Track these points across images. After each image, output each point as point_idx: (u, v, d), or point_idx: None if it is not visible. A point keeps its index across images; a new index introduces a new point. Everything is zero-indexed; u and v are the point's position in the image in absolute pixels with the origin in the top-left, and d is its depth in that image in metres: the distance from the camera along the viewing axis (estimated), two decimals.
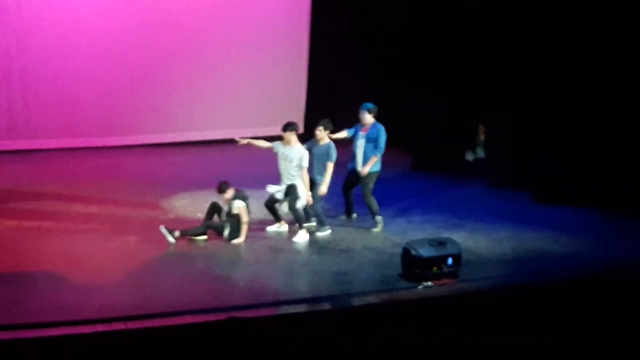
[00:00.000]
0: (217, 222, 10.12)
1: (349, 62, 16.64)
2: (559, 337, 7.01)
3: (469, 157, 14.87)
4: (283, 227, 10.37)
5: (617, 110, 11.65)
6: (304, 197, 10.07)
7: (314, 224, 10.37)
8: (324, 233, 10.29)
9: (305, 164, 9.99)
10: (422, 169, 14.17)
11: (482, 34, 13.78)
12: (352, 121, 10.63)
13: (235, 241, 9.89)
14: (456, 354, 6.63)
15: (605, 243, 10.31)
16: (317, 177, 10.28)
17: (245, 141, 10.46)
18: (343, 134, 10.61)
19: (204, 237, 10.00)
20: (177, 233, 9.83)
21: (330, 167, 10.19)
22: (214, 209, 10.15)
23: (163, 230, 9.84)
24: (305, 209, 10.28)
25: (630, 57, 11.67)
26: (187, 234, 9.90)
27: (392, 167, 13.69)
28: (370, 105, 10.48)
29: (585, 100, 11.80)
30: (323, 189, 10.20)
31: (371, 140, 10.36)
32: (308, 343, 6.72)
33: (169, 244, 9.77)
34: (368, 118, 10.43)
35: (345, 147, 10.68)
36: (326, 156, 10.18)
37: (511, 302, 8.07)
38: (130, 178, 13.18)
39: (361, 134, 10.45)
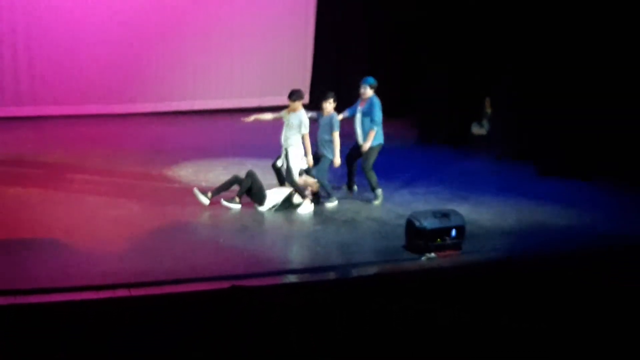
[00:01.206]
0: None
1: (355, 32, 16.55)
2: (560, 309, 7.02)
3: (475, 129, 14.83)
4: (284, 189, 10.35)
5: (623, 83, 11.58)
6: (299, 164, 10.03)
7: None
8: (332, 204, 10.29)
9: (305, 129, 9.96)
10: (427, 141, 14.15)
11: (489, 6, 13.66)
12: (357, 92, 10.55)
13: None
14: (459, 325, 6.65)
15: (608, 217, 10.31)
16: (321, 149, 10.26)
17: (251, 118, 10.41)
18: (345, 114, 10.56)
19: (238, 206, 10.00)
20: (209, 194, 9.94)
21: (336, 137, 10.17)
22: (235, 181, 10.12)
23: (196, 191, 9.91)
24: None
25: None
26: (219, 191, 10.00)
27: (398, 139, 13.71)
28: (371, 80, 10.41)
29: (592, 73, 11.72)
30: (336, 160, 10.20)
31: (367, 114, 10.32)
32: (311, 312, 6.74)
33: (203, 205, 9.87)
34: (368, 92, 10.38)
35: (349, 120, 10.62)
36: (329, 127, 10.16)
37: (514, 274, 8.08)
38: (134, 146, 13.19)
39: (359, 108, 10.42)
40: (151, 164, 11.95)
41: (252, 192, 10.03)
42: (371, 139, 10.29)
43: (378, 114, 10.29)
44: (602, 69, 11.66)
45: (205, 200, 9.97)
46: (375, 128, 10.29)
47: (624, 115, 11.58)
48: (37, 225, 9.12)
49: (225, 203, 9.99)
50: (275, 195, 10.12)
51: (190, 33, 15.67)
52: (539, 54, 12.44)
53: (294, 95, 10.03)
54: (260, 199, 10.02)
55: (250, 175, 10.03)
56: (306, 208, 10.09)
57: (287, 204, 10.13)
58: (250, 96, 16.10)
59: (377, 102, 10.33)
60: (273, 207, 10.05)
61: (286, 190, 10.19)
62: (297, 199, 10.21)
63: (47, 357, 5.73)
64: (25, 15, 14.51)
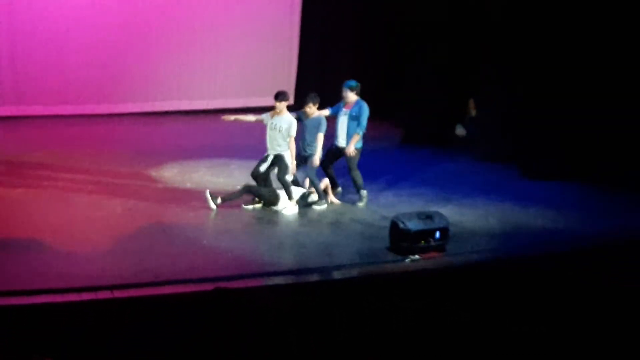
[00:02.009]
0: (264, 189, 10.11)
1: (340, 32, 16.56)
2: (544, 309, 7.05)
3: (459, 131, 14.87)
4: (258, 205, 10.28)
5: (606, 84, 11.64)
6: (291, 168, 10.04)
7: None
8: (321, 207, 10.27)
9: (293, 132, 9.96)
10: (411, 143, 14.16)
11: (474, 6, 13.71)
12: (341, 92, 10.53)
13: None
14: (443, 326, 6.66)
15: (592, 217, 10.38)
16: (307, 150, 10.25)
17: (232, 118, 10.38)
18: (326, 112, 10.51)
19: (257, 205, 10.05)
20: (219, 200, 9.93)
21: (320, 137, 10.17)
22: (246, 190, 10.08)
23: (207, 194, 9.91)
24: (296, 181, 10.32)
25: (624, 31, 11.63)
26: (230, 199, 9.99)
27: (381, 140, 13.73)
28: (353, 83, 10.39)
29: (575, 74, 11.77)
30: (315, 159, 10.18)
31: (354, 118, 10.29)
32: (294, 314, 6.73)
33: (211, 209, 9.86)
34: (351, 96, 10.35)
35: (330, 122, 10.61)
36: (317, 128, 10.15)
37: (497, 276, 8.11)
38: (118, 146, 13.12)
39: (344, 110, 10.37)
40: (135, 164, 11.89)
41: (262, 194, 10.10)
42: (354, 142, 10.28)
43: (366, 119, 10.28)
44: (587, 70, 11.72)
45: (213, 205, 9.93)
46: (361, 133, 10.28)
47: (608, 116, 11.65)
48: (18, 226, 9.05)
49: (246, 207, 10.08)
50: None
51: (175, 33, 15.61)
52: (523, 55, 12.48)
53: (280, 96, 10.00)
54: (274, 199, 10.06)
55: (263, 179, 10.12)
56: (291, 210, 10.07)
57: (302, 203, 10.16)
58: (235, 97, 16.07)
59: (366, 108, 10.28)
60: (320, 200, 10.21)
61: (300, 190, 10.25)
62: (312, 196, 10.29)
63: (26, 358, 5.69)
64: (8, 15, 14.39)
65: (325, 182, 10.52)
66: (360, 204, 10.45)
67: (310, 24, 16.57)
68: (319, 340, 6.30)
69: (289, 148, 9.99)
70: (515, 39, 12.67)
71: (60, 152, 12.43)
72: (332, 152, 10.56)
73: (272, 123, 10.01)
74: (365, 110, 10.27)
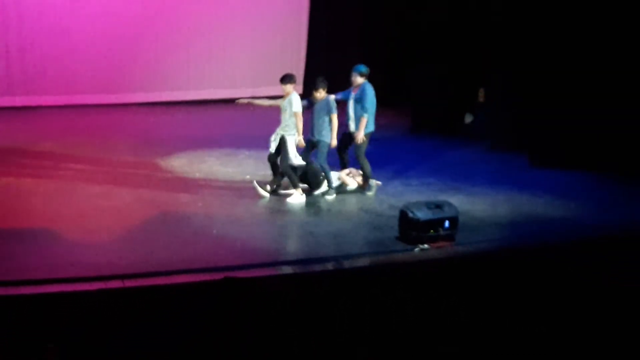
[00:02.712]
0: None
1: (349, 21, 16.50)
2: (554, 300, 7.04)
3: (468, 119, 14.82)
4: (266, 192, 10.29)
5: (617, 76, 11.58)
6: (294, 150, 9.99)
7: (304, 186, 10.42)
8: (330, 197, 10.25)
9: (297, 107, 9.90)
10: (420, 131, 14.13)
11: None
12: (350, 80, 10.50)
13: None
14: (452, 316, 6.66)
15: (601, 207, 10.33)
16: (315, 135, 10.22)
17: (245, 101, 10.38)
18: (336, 97, 10.49)
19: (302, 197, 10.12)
20: (268, 187, 10.06)
21: (334, 119, 10.13)
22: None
23: (255, 184, 10.03)
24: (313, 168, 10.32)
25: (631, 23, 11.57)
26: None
27: (390, 128, 13.70)
28: (362, 67, 10.37)
29: (587, 65, 11.71)
30: (333, 142, 10.16)
31: (358, 101, 10.30)
32: (303, 304, 6.74)
33: (264, 197, 9.97)
34: (359, 80, 10.35)
35: (341, 108, 10.59)
36: (326, 110, 10.11)
37: (507, 265, 8.09)
38: (127, 136, 13.15)
39: (352, 95, 10.39)
40: (144, 154, 11.91)
41: (308, 177, 10.25)
42: (363, 127, 10.25)
43: (369, 101, 10.27)
44: (598, 62, 11.65)
45: (265, 194, 10.03)
46: (366, 115, 10.25)
47: (618, 107, 11.59)
48: (28, 216, 9.09)
49: (283, 192, 10.18)
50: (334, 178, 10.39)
51: (183, 23, 15.61)
52: (534, 44, 12.42)
53: (286, 79, 9.98)
54: (316, 183, 10.23)
55: (307, 162, 10.22)
56: (296, 198, 10.05)
57: (340, 188, 10.36)
58: (244, 86, 16.04)
59: (369, 90, 10.30)
60: (330, 190, 10.27)
61: (335, 175, 10.44)
62: (351, 182, 10.47)
63: (37, 348, 5.72)
64: (17, 5, 14.43)
65: (346, 171, 10.59)
66: (370, 193, 10.45)
67: (319, 13, 16.52)
68: (328, 329, 6.31)
69: (295, 127, 9.94)
70: (526, 29, 12.60)
71: (70, 142, 12.46)
72: (344, 137, 10.57)
73: (282, 106, 10.02)
74: (369, 92, 10.25)
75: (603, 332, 6.44)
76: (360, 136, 10.26)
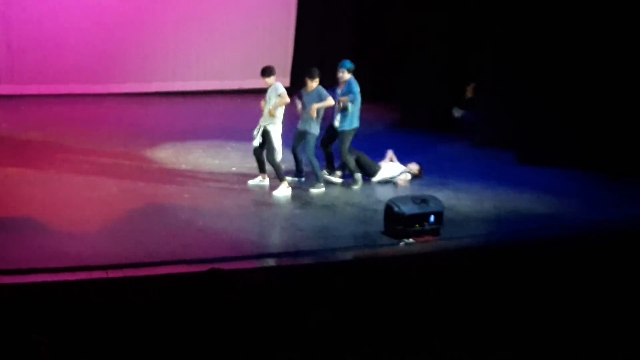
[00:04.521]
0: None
1: (338, 14, 16.49)
2: (537, 294, 7.08)
3: (456, 113, 14.84)
4: (265, 181, 10.31)
5: (607, 72, 11.62)
6: (280, 141, 9.97)
7: (296, 179, 10.41)
8: (318, 190, 10.24)
9: (283, 91, 9.85)
10: (408, 125, 14.14)
11: None
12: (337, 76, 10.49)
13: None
14: (435, 310, 6.68)
15: (587, 204, 10.39)
16: (304, 126, 10.20)
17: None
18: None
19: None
20: (339, 173, 10.58)
21: (330, 101, 10.11)
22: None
23: (325, 174, 10.47)
24: (299, 160, 10.32)
25: (623, 18, 11.60)
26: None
27: (379, 122, 13.71)
28: (348, 63, 10.38)
29: (577, 62, 11.75)
30: (313, 109, 10.02)
31: (345, 96, 10.29)
32: (289, 296, 6.75)
33: (337, 184, 10.52)
34: (346, 75, 10.35)
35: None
36: (317, 100, 10.08)
37: (491, 261, 8.12)
38: (114, 127, 13.08)
39: (338, 91, 10.40)
40: (131, 145, 11.87)
41: (362, 164, 10.62)
42: (343, 101, 10.19)
43: (356, 92, 10.26)
44: (586, 59, 11.68)
45: (338, 180, 10.58)
46: (352, 100, 10.22)
47: (608, 103, 11.64)
48: (13, 206, 9.04)
49: (328, 177, 10.56)
50: (387, 170, 10.79)
51: (171, 13, 15.54)
52: (524, 40, 12.43)
53: (267, 71, 9.93)
54: (371, 171, 10.63)
55: (354, 153, 10.56)
56: (282, 191, 10.03)
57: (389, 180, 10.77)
58: (231, 78, 16.01)
59: (354, 84, 10.30)
60: (382, 180, 10.57)
61: (398, 169, 10.82)
62: (402, 176, 10.84)
63: (20, 337, 5.69)
64: None
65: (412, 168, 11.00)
66: (355, 187, 10.46)
67: (308, 5, 16.49)
68: (312, 321, 6.31)
69: (279, 118, 9.86)
70: (515, 25, 12.62)
71: (56, 132, 12.40)
72: (329, 132, 10.57)
73: (267, 97, 9.97)
74: (353, 86, 10.26)
75: (586, 328, 6.48)
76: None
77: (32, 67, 14.69)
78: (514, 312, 6.72)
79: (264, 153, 10.06)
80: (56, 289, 6.86)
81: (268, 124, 9.90)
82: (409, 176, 10.92)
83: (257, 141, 10.00)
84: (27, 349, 5.40)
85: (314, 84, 10.15)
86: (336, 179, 10.65)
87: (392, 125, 14.27)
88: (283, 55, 16.44)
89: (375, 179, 10.69)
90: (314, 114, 10.05)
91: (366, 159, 10.72)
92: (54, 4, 14.64)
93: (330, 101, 10.13)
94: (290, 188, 10.08)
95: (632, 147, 11.62)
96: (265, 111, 9.92)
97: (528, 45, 12.34)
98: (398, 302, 6.75)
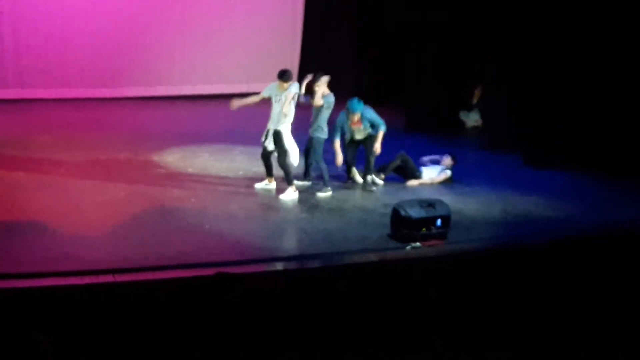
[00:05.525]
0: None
1: (344, 17, 16.49)
2: (545, 297, 7.06)
3: (463, 117, 14.84)
4: (271, 184, 10.31)
5: (612, 76, 11.60)
6: (293, 151, 9.97)
7: (307, 183, 10.41)
8: (325, 194, 10.22)
9: (296, 89, 9.83)
10: (415, 129, 14.12)
11: None
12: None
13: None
14: (443, 314, 6.68)
15: (594, 207, 10.36)
16: (314, 135, 10.23)
17: (236, 106, 10.20)
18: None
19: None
20: (382, 175, 10.78)
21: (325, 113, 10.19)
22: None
23: (374, 178, 10.68)
24: (309, 164, 10.33)
25: (628, 22, 11.58)
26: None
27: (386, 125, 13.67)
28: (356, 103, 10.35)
29: (583, 65, 11.73)
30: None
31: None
32: (295, 300, 6.75)
33: (379, 186, 10.70)
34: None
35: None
36: (325, 107, 10.12)
37: (499, 264, 8.11)
38: (121, 131, 13.12)
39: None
40: (137, 149, 11.89)
41: (406, 169, 10.91)
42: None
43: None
44: (592, 62, 11.67)
45: (380, 181, 10.73)
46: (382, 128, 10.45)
47: (613, 105, 11.62)
48: (21, 210, 9.07)
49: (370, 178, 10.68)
50: (429, 172, 11.01)
51: (177, 17, 15.58)
52: (530, 43, 12.42)
53: (286, 75, 9.83)
54: (414, 176, 10.85)
55: (401, 156, 10.86)
56: (289, 195, 10.03)
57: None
58: (238, 82, 16.03)
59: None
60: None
61: (436, 170, 11.04)
62: (442, 175, 11.02)
63: (28, 341, 5.71)
64: (11, 0, 14.38)
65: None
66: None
67: (314, 8, 16.50)
68: (319, 325, 6.32)
69: (290, 118, 9.85)
70: (520, 29, 12.61)
71: (63, 136, 12.44)
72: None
73: (276, 95, 9.86)
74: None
75: (595, 331, 6.46)
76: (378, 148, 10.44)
77: (40, 72, 14.75)
78: (523, 315, 6.71)
79: (273, 156, 10.06)
80: (64, 292, 6.88)
81: (279, 125, 9.89)
82: (448, 173, 11.07)
83: (270, 145, 9.98)
84: (32, 349, 5.42)
85: (319, 89, 10.16)
86: (378, 182, 10.80)
87: (398, 128, 14.23)
88: (290, 58, 16.45)
89: (416, 182, 10.89)
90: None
91: (412, 164, 10.94)
92: (61, 9, 14.69)
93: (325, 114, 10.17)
94: (297, 192, 10.08)
95: (637, 149, 11.60)
96: (275, 113, 9.91)
97: (533, 48, 12.33)
98: (405, 306, 6.75)
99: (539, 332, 6.40)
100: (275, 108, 9.91)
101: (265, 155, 10.11)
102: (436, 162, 11.24)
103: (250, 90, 14.75)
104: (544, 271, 7.77)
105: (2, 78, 14.60)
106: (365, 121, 10.40)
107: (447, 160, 11.21)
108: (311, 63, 16.04)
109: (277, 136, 9.90)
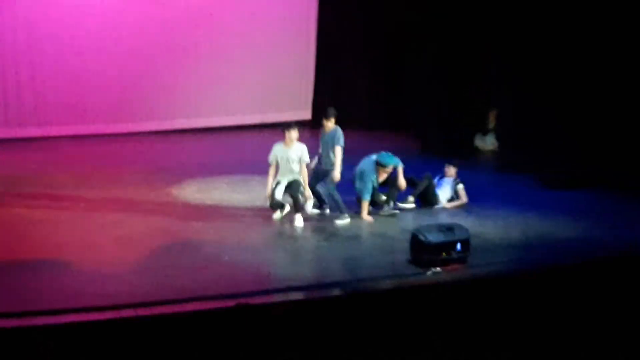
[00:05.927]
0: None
1: (357, 46, 16.55)
2: (567, 321, 6.99)
3: (478, 141, 14.82)
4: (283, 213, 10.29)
5: (625, 93, 11.58)
6: (306, 194, 10.05)
7: (317, 211, 10.41)
8: (344, 222, 10.19)
9: (306, 158, 9.99)
10: (431, 153, 14.11)
11: (490, 15, 13.68)
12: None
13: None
14: (465, 340, 6.62)
15: (614, 227, 10.27)
16: (325, 165, 10.26)
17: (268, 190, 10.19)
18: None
19: (412, 205, 10.76)
20: (411, 198, 10.83)
21: (338, 151, 10.16)
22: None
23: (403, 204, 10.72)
24: (320, 195, 10.35)
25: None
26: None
27: (399, 151, 13.65)
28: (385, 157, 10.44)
29: (594, 85, 11.72)
30: (336, 174, 10.16)
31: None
32: (317, 330, 6.71)
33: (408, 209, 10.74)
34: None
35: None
36: (333, 141, 10.15)
37: (520, 287, 8.04)
38: (138, 165, 13.20)
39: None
40: (155, 182, 11.95)
41: (427, 192, 10.85)
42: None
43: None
44: (612, 81, 11.65)
45: (411, 205, 10.83)
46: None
47: (631, 125, 11.58)
48: (40, 246, 9.11)
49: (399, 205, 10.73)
50: (444, 194, 10.98)
51: (191, 52, 15.71)
52: (543, 65, 12.44)
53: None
54: (431, 199, 10.84)
55: (428, 177, 10.86)
56: (299, 221, 10.04)
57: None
58: (252, 112, 16.12)
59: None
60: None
61: (448, 193, 11.02)
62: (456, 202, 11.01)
63: None
64: (27, 37, 14.57)
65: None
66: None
67: (327, 38, 16.58)
68: (342, 354, 6.27)
69: (301, 175, 10.02)
70: (533, 48, 12.64)
71: (80, 172, 12.52)
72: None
73: (282, 157, 10.00)
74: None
75: (617, 353, 6.38)
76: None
77: (56, 110, 14.89)
78: (547, 337, 6.64)
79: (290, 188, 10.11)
80: (85, 328, 6.88)
81: (295, 177, 9.99)
82: (461, 187, 11.10)
83: (279, 194, 10.01)
84: None
85: (330, 123, 10.21)
86: (409, 204, 10.80)
87: (413, 153, 14.21)
88: (304, 89, 16.54)
89: (438, 205, 10.92)
90: (337, 177, 10.18)
91: (434, 187, 10.96)
92: (77, 48, 14.85)
93: (339, 152, 10.16)
94: (302, 219, 10.05)
95: None
96: (287, 172, 10.00)
97: (547, 69, 12.34)
98: (428, 331, 6.70)
99: (565, 356, 6.33)
100: (282, 166, 10.02)
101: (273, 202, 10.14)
102: (442, 177, 11.17)
103: (265, 121, 14.90)
104: (566, 293, 7.69)
105: (20, 117, 14.75)
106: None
107: (451, 170, 11.16)
108: (325, 93, 16.13)
109: (295, 183, 10.01)
